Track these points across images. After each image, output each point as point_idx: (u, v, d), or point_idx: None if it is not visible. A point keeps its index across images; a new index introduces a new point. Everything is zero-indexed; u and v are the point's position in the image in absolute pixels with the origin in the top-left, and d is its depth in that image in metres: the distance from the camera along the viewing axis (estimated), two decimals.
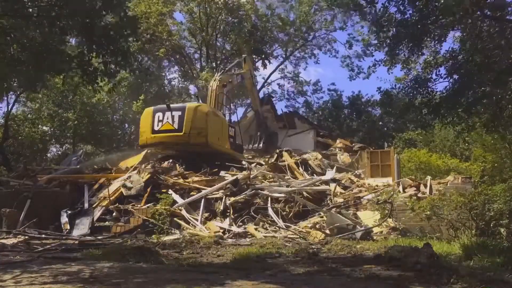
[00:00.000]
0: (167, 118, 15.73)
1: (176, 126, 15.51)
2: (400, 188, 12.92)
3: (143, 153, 16.62)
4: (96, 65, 8.97)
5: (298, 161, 15.88)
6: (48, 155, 26.79)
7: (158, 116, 15.84)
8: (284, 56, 36.94)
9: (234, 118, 23.14)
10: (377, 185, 13.82)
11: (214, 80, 18.83)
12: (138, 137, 17.34)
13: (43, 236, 10.47)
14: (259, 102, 23.24)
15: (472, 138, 15.61)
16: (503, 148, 14.69)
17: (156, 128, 15.76)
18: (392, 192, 11.74)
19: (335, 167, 15.93)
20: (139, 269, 6.33)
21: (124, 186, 12.85)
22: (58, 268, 6.24)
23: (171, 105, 16.42)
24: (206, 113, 15.87)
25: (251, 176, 13.68)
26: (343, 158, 19.92)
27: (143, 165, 14.95)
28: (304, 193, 12.79)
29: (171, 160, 15.42)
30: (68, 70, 8.94)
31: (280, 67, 37.74)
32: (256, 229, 11.04)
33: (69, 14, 8.08)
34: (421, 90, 8.73)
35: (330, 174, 14.82)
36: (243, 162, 16.31)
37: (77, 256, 7.64)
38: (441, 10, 8.03)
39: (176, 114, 15.65)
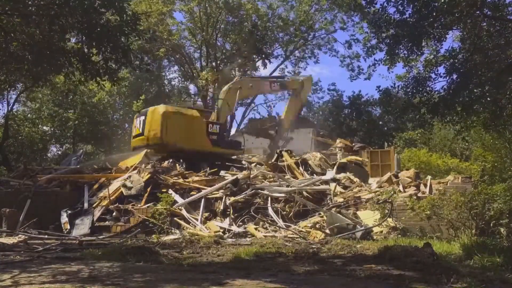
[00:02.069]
0: (138, 123, 16.63)
1: (141, 130, 16.43)
2: (400, 188, 12.91)
3: (143, 153, 16.62)
4: (96, 61, 8.99)
5: (298, 160, 15.87)
6: (48, 155, 26.85)
7: (135, 122, 16.86)
8: (284, 56, 36.98)
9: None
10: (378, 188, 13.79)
11: (229, 83, 18.93)
12: None
13: (45, 236, 10.46)
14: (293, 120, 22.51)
15: (472, 138, 15.61)
16: (503, 147, 14.67)
17: (133, 133, 16.90)
18: (392, 192, 11.74)
19: (335, 167, 15.90)
20: (139, 268, 6.33)
21: (124, 186, 12.85)
22: (58, 268, 6.24)
23: (141, 110, 17.29)
24: (162, 114, 16.19)
25: (251, 176, 13.68)
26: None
27: (143, 165, 14.94)
28: (304, 192, 12.78)
29: (171, 160, 15.41)
30: (68, 66, 8.96)
31: (280, 66, 37.78)
32: (256, 228, 11.04)
33: (69, 12, 8.08)
34: (420, 89, 8.73)
35: (330, 174, 14.82)
36: (243, 162, 16.31)
37: (77, 256, 7.64)
38: (440, 8, 8.03)
39: (141, 118, 16.51)
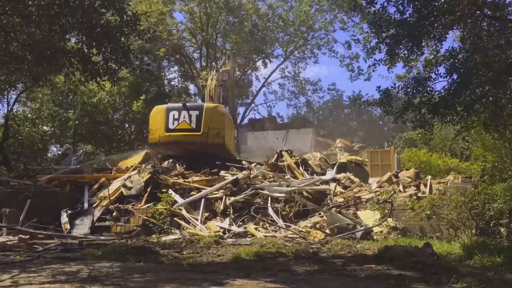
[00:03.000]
0: (184, 117, 15.50)
1: (193, 125, 15.36)
2: (401, 188, 12.91)
3: (143, 153, 16.60)
4: (96, 61, 9.00)
5: (298, 160, 15.87)
6: (48, 155, 26.81)
7: (173, 115, 15.56)
8: (284, 56, 37.02)
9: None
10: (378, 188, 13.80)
11: (212, 79, 18.82)
12: (147, 136, 17.14)
13: (45, 233, 10.47)
14: (234, 106, 22.54)
15: (472, 138, 15.60)
16: (503, 147, 14.66)
17: (171, 126, 15.48)
18: (392, 192, 11.74)
19: (335, 167, 15.91)
20: (139, 268, 6.33)
21: (124, 186, 12.85)
22: (57, 268, 6.24)
23: (187, 104, 16.29)
24: (224, 114, 15.90)
25: (251, 176, 13.68)
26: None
27: (143, 165, 14.95)
28: (304, 192, 12.78)
29: (171, 160, 15.41)
30: (69, 66, 8.96)
31: (281, 66, 37.82)
32: (256, 228, 11.04)
33: (69, 12, 8.09)
34: (420, 89, 8.73)
35: (330, 174, 14.82)
36: (243, 162, 16.33)
37: (77, 256, 7.64)
38: (440, 8, 8.03)
39: (194, 113, 15.45)
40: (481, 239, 8.68)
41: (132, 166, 14.89)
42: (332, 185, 13.37)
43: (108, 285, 5.10)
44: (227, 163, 15.62)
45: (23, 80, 16.14)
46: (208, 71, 26.13)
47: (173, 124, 15.48)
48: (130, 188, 12.79)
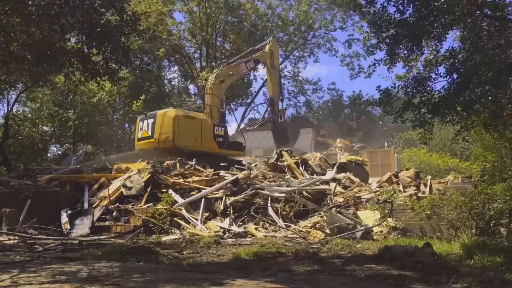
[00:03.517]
0: (145, 126, 16.85)
1: (149, 133, 16.61)
2: (401, 188, 12.91)
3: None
4: (96, 61, 8.99)
5: (298, 160, 15.87)
6: (48, 155, 26.80)
7: (140, 125, 17.03)
8: (284, 55, 36.99)
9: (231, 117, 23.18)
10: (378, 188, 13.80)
11: (211, 77, 18.93)
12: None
13: (45, 237, 10.46)
14: (279, 90, 22.98)
15: (472, 138, 15.58)
16: (503, 147, 14.64)
17: (139, 136, 17.04)
18: (392, 192, 11.73)
19: (335, 167, 15.90)
20: (139, 268, 6.32)
21: (124, 186, 12.84)
22: (57, 268, 6.23)
23: (148, 113, 17.51)
24: (173, 118, 16.41)
25: (251, 176, 13.68)
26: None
27: (143, 165, 14.93)
28: (304, 192, 12.77)
29: (178, 159, 15.65)
30: (69, 66, 8.96)
31: (280, 66, 37.75)
32: (256, 228, 11.03)
33: (69, 12, 8.08)
34: (420, 89, 8.72)
35: (330, 174, 14.81)
36: (243, 162, 16.34)
37: (76, 256, 7.63)
38: (440, 8, 8.02)
39: (150, 121, 16.70)
40: (481, 239, 8.67)
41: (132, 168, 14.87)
42: (332, 185, 13.36)
43: (108, 285, 5.10)
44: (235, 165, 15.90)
45: (23, 80, 16.11)
46: (208, 71, 26.18)
47: (140, 134, 17.03)
48: (130, 188, 12.78)
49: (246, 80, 35.57)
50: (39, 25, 8.70)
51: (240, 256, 7.60)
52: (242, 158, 18.86)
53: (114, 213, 11.96)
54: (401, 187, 12.99)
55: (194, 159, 15.52)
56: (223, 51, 34.25)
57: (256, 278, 5.62)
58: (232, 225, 11.36)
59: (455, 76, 8.64)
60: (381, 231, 10.64)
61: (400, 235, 10.06)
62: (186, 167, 15.02)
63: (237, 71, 19.73)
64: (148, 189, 12.75)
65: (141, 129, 17.00)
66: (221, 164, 15.97)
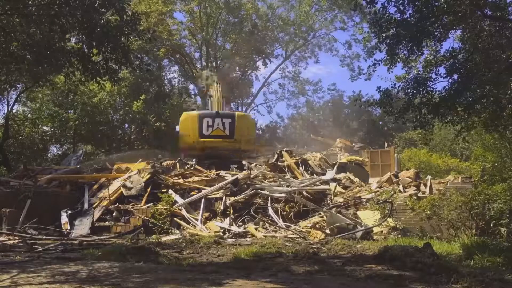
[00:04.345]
0: (218, 124, 16.75)
1: (227, 132, 16.68)
2: (401, 188, 12.91)
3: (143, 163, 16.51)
4: (96, 61, 8.99)
5: (298, 161, 15.87)
6: (48, 155, 26.77)
7: (207, 122, 16.77)
8: (284, 55, 37.01)
9: None
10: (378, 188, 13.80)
11: (216, 91, 19.30)
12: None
13: (45, 237, 10.45)
14: None
15: (472, 138, 15.60)
16: (503, 147, 14.66)
17: (205, 132, 16.69)
18: (392, 192, 11.73)
19: (335, 167, 15.90)
20: (139, 269, 6.32)
21: (124, 186, 12.84)
22: (57, 268, 6.23)
23: (221, 111, 17.57)
24: (252, 122, 17.47)
25: (251, 176, 13.68)
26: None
27: (143, 165, 14.93)
28: (304, 193, 12.78)
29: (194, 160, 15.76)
30: (69, 66, 8.96)
31: (281, 66, 37.81)
32: (256, 229, 11.03)
33: (69, 12, 8.08)
34: (420, 90, 8.72)
35: (330, 174, 14.81)
36: (243, 162, 16.35)
37: (76, 256, 7.63)
38: (441, 8, 8.02)
39: (227, 121, 16.80)
40: (481, 239, 8.67)
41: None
42: (332, 185, 13.36)
43: (107, 285, 5.09)
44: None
45: (23, 80, 16.14)
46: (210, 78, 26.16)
47: (207, 131, 16.74)
48: (130, 189, 12.79)
49: (246, 80, 35.61)
50: (39, 25, 8.70)
51: (240, 256, 7.60)
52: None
53: (114, 213, 11.96)
54: (401, 187, 12.98)
55: (194, 159, 15.53)
56: (224, 51, 34.24)
57: (256, 278, 5.62)
58: (232, 225, 11.36)
59: (455, 76, 8.65)
60: (381, 231, 10.64)
61: (400, 235, 10.06)
62: (186, 167, 15.01)
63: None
64: (148, 189, 12.76)
65: (210, 126, 16.75)
66: (232, 165, 16.08)
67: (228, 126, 16.70)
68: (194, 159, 15.63)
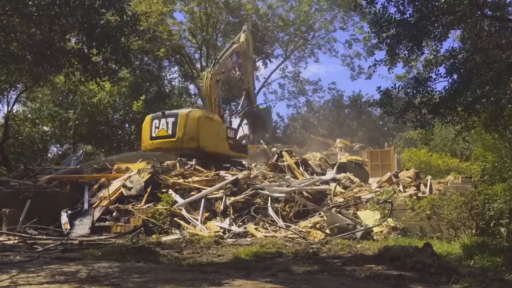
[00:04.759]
0: (163, 125, 16.50)
1: (170, 132, 16.24)
2: (401, 188, 12.91)
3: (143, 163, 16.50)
4: (96, 61, 8.99)
5: (298, 161, 15.88)
6: (48, 155, 26.77)
7: (155, 123, 16.66)
8: (284, 55, 37.02)
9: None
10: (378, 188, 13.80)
11: (206, 78, 18.71)
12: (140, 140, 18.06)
13: (45, 237, 10.46)
14: (252, 82, 22.50)
15: (472, 138, 15.61)
16: (504, 147, 14.67)
17: (153, 134, 16.59)
18: (392, 192, 11.73)
19: (335, 167, 15.91)
20: (138, 269, 6.32)
21: (124, 186, 12.84)
22: (57, 268, 6.23)
23: (166, 112, 17.15)
24: (198, 118, 16.35)
25: (251, 176, 13.68)
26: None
27: (143, 165, 14.92)
28: (304, 193, 12.78)
29: (178, 159, 15.60)
30: (69, 66, 8.96)
31: (281, 66, 37.81)
32: (256, 229, 11.03)
33: (69, 13, 8.08)
34: (420, 89, 8.72)
35: (330, 174, 14.82)
36: (243, 162, 16.36)
37: (76, 256, 7.63)
38: (441, 8, 8.02)
39: (170, 120, 16.40)
40: (481, 239, 8.68)
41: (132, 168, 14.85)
42: (332, 185, 13.37)
43: (107, 285, 5.10)
44: (224, 165, 15.80)
45: (23, 80, 16.14)
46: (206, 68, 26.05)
47: (154, 132, 16.62)
48: (130, 189, 12.78)
49: None
50: (39, 25, 8.70)
51: (240, 256, 7.60)
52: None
53: (114, 213, 11.96)
54: (401, 187, 12.99)
55: (194, 160, 15.53)
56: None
57: (256, 278, 5.62)
58: (232, 225, 11.35)
59: (455, 76, 8.64)
60: (381, 231, 10.64)
61: (400, 235, 10.06)
62: (186, 167, 15.02)
63: (226, 67, 19.64)
64: (148, 189, 12.76)
65: (157, 127, 16.61)
66: (224, 165, 15.98)
67: (171, 126, 16.29)
68: (194, 160, 15.55)
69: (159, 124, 16.60)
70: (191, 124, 16.16)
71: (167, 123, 16.42)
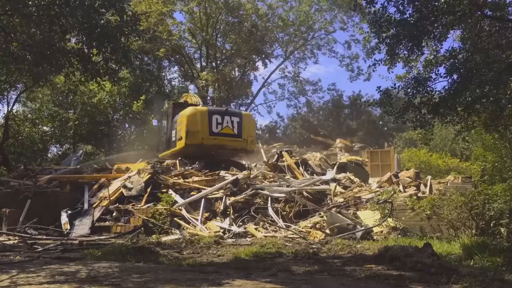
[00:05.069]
0: (227, 123, 16.04)
1: (235, 131, 16.04)
2: (401, 188, 12.91)
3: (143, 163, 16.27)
4: (96, 61, 9.01)
5: (298, 161, 15.88)
6: (48, 155, 26.76)
7: (217, 119, 15.97)
8: (284, 56, 37.01)
9: None
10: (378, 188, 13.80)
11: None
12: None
13: (45, 237, 10.46)
14: None
15: (472, 138, 15.61)
16: (504, 147, 14.66)
17: (215, 130, 15.88)
18: (392, 192, 11.73)
19: (335, 167, 15.91)
20: (138, 269, 6.32)
21: (124, 187, 12.83)
22: (56, 268, 6.23)
23: (229, 109, 17.22)
24: (254, 121, 17.15)
25: (251, 176, 13.67)
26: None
27: (143, 165, 14.91)
28: (304, 193, 12.78)
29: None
30: (69, 66, 8.97)
31: (280, 66, 37.80)
32: (256, 229, 11.03)
33: (69, 13, 8.09)
34: (420, 89, 8.72)
35: (330, 174, 14.82)
36: (243, 162, 16.35)
37: (76, 256, 7.63)
38: (441, 8, 8.02)
39: (235, 119, 16.19)
40: (481, 239, 8.68)
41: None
42: (332, 185, 13.37)
43: (107, 285, 5.10)
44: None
45: (23, 80, 16.13)
46: (208, 71, 26.05)
47: (216, 128, 15.92)
48: (130, 189, 12.77)
49: (246, 81, 35.61)
50: (39, 25, 8.71)
51: (240, 256, 7.60)
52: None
53: (114, 213, 11.96)
54: (401, 187, 12.99)
55: (197, 161, 15.39)
56: (223, 51, 34.22)
57: (256, 278, 5.62)
58: (232, 225, 11.35)
59: (455, 76, 8.64)
60: (381, 231, 10.64)
61: (400, 235, 10.07)
62: (186, 167, 14.99)
63: None
64: (148, 189, 12.75)
65: (220, 123, 15.93)
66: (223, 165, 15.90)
67: (237, 125, 16.09)
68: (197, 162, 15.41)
69: (222, 121, 15.99)
70: (252, 126, 16.66)
71: (232, 121, 16.07)
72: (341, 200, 12.66)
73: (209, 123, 15.78)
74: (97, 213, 11.98)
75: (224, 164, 15.81)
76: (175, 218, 11.54)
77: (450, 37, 9.60)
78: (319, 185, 13.58)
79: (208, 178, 13.73)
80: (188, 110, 16.30)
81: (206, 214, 11.91)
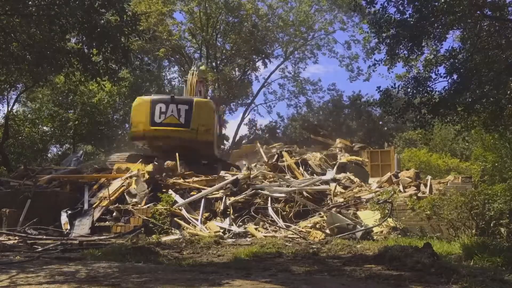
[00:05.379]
0: (173, 111, 14.88)
1: (182, 120, 14.78)
2: (401, 188, 12.92)
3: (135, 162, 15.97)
4: (96, 61, 9.01)
5: (298, 161, 15.88)
6: (48, 155, 26.78)
7: (160, 107, 14.90)
8: (284, 56, 37.02)
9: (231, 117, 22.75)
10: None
11: (192, 74, 17.82)
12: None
13: (45, 237, 10.45)
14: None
15: (472, 138, 15.63)
16: (504, 147, 14.68)
17: (157, 120, 14.86)
18: (392, 192, 11.74)
19: (335, 167, 15.91)
20: (138, 269, 6.31)
21: (128, 193, 12.80)
22: (56, 268, 6.22)
23: (176, 97, 15.61)
24: (214, 110, 15.25)
25: (251, 176, 13.68)
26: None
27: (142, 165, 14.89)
28: (304, 193, 12.78)
29: (156, 159, 15.17)
30: (69, 66, 8.97)
31: (280, 66, 37.80)
32: (256, 229, 11.04)
33: (69, 13, 8.09)
34: (420, 89, 8.73)
35: (330, 174, 14.82)
36: (243, 162, 16.33)
37: (76, 256, 7.63)
38: (440, 8, 8.03)
39: (183, 107, 14.86)
40: (481, 239, 8.68)
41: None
42: (332, 185, 13.37)
43: (106, 285, 5.08)
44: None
45: (23, 80, 16.13)
46: (208, 71, 25.98)
47: (159, 118, 14.82)
48: (134, 195, 12.73)
49: (246, 81, 35.60)
50: (39, 25, 8.71)
51: (240, 256, 7.60)
52: None
53: (114, 213, 11.96)
54: (401, 187, 12.99)
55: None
56: (224, 51, 34.23)
57: (256, 278, 5.61)
58: (232, 225, 11.36)
59: (455, 76, 8.66)
60: (381, 231, 10.64)
61: (400, 235, 10.07)
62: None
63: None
64: (148, 190, 12.74)
65: (163, 112, 14.75)
66: (203, 162, 15.47)
67: (184, 114, 14.64)
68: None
69: (166, 109, 14.79)
70: (208, 114, 14.76)
71: (178, 109, 14.76)
72: (341, 200, 12.66)
73: (151, 113, 14.76)
74: (97, 213, 11.98)
75: (205, 161, 15.04)
76: (175, 218, 11.55)
77: (450, 37, 9.62)
78: (319, 185, 13.58)
79: (208, 178, 13.73)
80: (136, 101, 15.54)
81: (206, 214, 11.92)
